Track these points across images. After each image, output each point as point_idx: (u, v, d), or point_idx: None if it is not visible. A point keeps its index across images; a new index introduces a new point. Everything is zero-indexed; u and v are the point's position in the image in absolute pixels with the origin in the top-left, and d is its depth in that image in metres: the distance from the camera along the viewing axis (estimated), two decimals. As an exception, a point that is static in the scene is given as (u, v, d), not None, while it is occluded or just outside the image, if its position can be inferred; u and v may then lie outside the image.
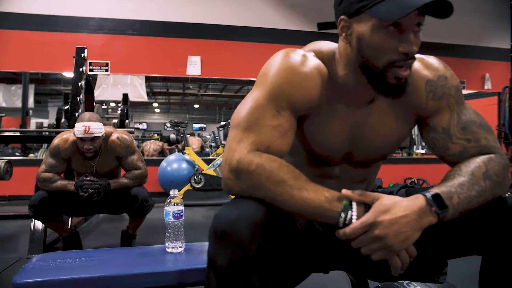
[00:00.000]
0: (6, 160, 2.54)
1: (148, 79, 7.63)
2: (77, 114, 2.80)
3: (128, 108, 5.23)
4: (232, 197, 0.79)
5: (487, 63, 5.62)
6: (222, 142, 5.44)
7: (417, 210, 0.69)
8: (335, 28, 0.83)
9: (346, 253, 0.85)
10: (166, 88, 11.58)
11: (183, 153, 4.43)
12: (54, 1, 4.43)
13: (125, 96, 5.45)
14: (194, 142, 7.50)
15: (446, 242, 0.80)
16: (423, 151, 6.16)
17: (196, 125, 14.81)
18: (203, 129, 14.76)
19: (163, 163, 4.44)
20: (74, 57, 3.02)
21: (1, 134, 4.75)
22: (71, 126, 2.82)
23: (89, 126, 1.93)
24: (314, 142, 0.88)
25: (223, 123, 4.90)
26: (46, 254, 1.21)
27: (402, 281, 1.29)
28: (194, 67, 4.70)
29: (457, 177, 0.75)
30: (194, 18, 4.72)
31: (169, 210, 1.22)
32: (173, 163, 4.42)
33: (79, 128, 1.93)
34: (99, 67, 4.50)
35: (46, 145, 5.57)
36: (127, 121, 5.02)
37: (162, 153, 6.51)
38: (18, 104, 7.24)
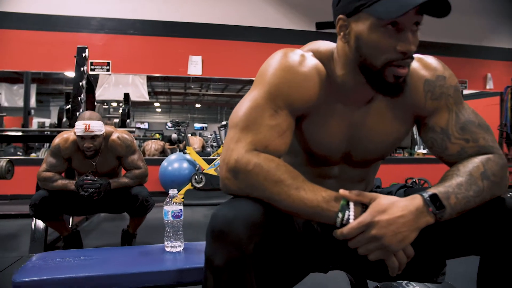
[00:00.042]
0: (8, 159, 2.55)
1: (149, 79, 7.64)
2: (78, 113, 2.80)
3: (129, 107, 5.25)
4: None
5: (489, 63, 5.60)
6: (223, 141, 5.44)
7: (414, 210, 0.69)
8: (333, 28, 0.82)
9: (345, 253, 0.85)
10: (167, 88, 11.61)
11: (184, 153, 4.44)
12: (55, 1, 4.44)
13: (127, 95, 5.47)
14: (196, 141, 7.50)
15: (444, 242, 0.80)
16: (424, 151, 6.13)
17: (197, 125, 14.84)
18: (205, 128, 14.79)
19: (164, 163, 4.45)
20: (75, 56, 3.03)
21: (3, 133, 4.77)
22: (72, 125, 2.82)
23: (89, 124, 1.94)
24: (313, 142, 0.88)
25: (224, 122, 4.92)
26: (46, 253, 1.22)
27: (401, 281, 1.28)
28: (195, 67, 4.70)
29: (455, 177, 0.75)
30: (195, 17, 4.72)
31: (168, 209, 1.23)
32: (174, 162, 4.43)
33: (79, 126, 1.94)
34: (100, 67, 4.51)
35: (47, 144, 5.58)
36: (128, 120, 5.04)
37: (164, 153, 6.52)
38: (20, 103, 7.24)
